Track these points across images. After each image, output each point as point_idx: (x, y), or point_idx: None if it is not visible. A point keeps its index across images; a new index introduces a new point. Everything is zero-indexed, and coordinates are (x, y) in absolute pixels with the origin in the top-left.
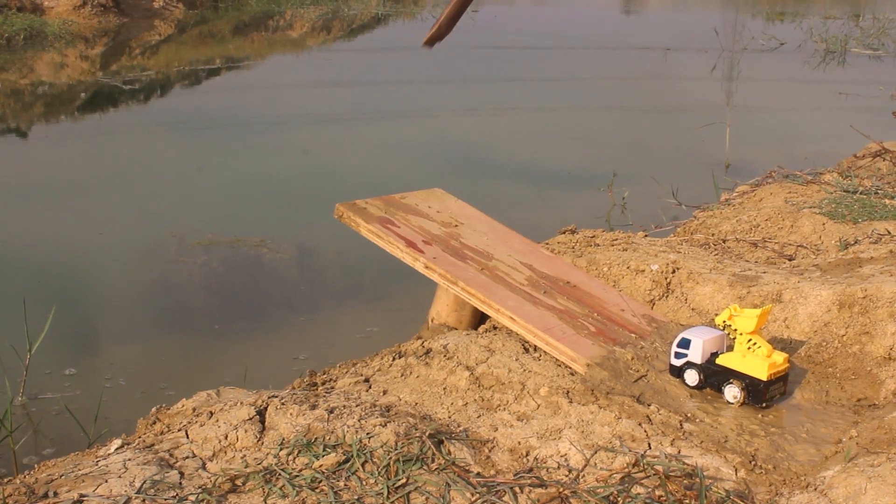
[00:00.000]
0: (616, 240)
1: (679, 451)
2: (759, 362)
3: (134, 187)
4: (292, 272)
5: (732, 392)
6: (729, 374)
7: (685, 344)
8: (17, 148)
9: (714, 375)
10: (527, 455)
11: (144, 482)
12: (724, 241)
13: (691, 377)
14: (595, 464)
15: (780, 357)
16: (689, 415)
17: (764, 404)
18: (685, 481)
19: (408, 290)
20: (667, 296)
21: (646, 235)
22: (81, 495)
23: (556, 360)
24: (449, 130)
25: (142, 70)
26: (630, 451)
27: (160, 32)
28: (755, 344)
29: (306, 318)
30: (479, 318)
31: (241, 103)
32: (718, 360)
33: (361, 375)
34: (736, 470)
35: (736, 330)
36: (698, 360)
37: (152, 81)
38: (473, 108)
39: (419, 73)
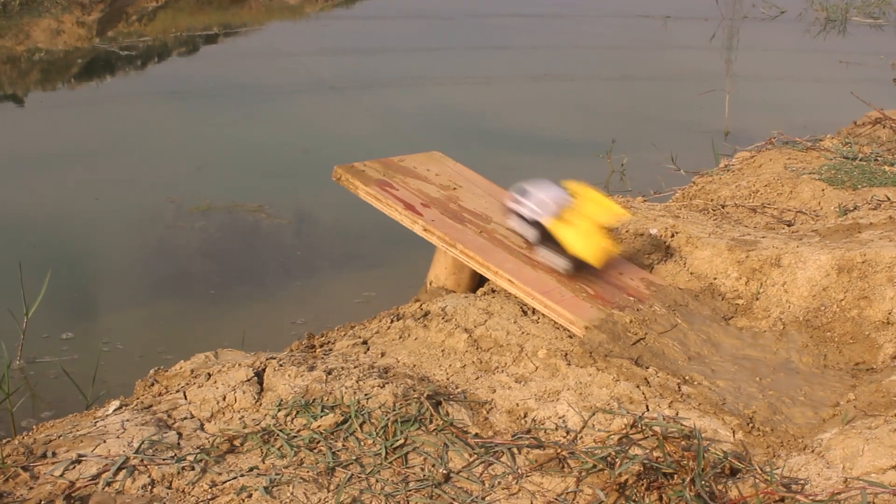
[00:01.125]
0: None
1: (677, 413)
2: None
3: (131, 154)
4: (290, 237)
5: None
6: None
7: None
8: (13, 115)
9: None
10: (525, 416)
11: (143, 442)
12: (722, 207)
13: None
14: (593, 425)
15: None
16: (687, 377)
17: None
18: (683, 443)
19: (405, 255)
20: (666, 260)
21: (644, 200)
22: (80, 455)
23: (555, 322)
24: (447, 98)
25: (139, 37)
26: (628, 412)
27: None
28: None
29: (304, 283)
30: (477, 281)
31: (238, 70)
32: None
33: (359, 338)
34: (734, 432)
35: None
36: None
37: (149, 48)
38: (471, 76)
39: (417, 41)
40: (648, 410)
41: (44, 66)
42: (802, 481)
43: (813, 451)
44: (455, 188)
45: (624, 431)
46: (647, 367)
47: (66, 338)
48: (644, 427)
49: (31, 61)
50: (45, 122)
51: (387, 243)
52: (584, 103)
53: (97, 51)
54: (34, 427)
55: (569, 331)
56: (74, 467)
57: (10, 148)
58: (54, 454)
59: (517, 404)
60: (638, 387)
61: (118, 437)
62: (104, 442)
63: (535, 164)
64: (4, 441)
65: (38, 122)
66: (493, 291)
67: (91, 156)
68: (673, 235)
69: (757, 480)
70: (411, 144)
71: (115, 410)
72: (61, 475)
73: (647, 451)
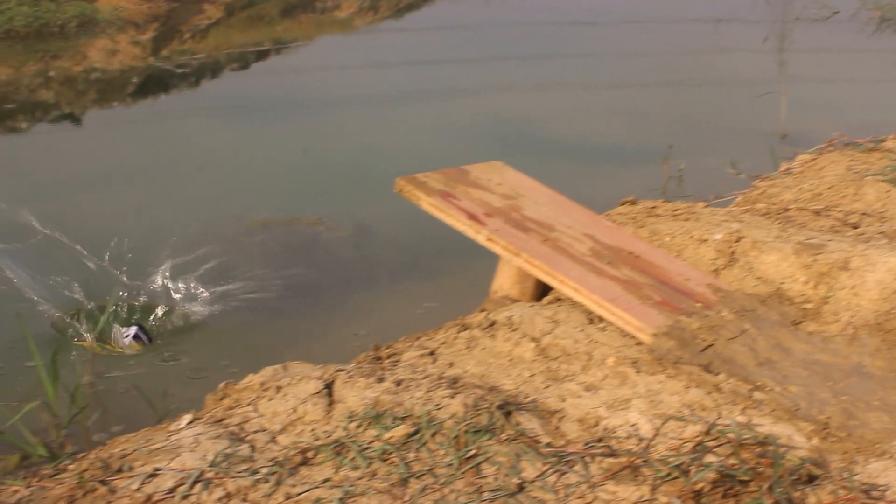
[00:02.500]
0: (677, 210)
1: (750, 420)
2: None
3: (189, 170)
4: (349, 249)
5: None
6: None
7: None
8: (71, 134)
9: None
10: (596, 425)
11: (217, 455)
12: (786, 211)
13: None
14: (665, 433)
15: None
16: (758, 383)
17: None
18: (758, 449)
19: (464, 265)
20: (731, 265)
21: (706, 206)
22: (156, 469)
23: (622, 330)
24: (500, 107)
25: (192, 54)
26: (700, 419)
27: (209, 16)
28: None
29: (364, 295)
30: (541, 290)
31: (291, 85)
32: None
33: (426, 349)
34: (809, 438)
35: None
36: None
37: (203, 65)
38: (524, 85)
39: (466, 52)
40: (721, 417)
41: (100, 85)
42: (883, 487)
43: (892, 457)
44: (517, 197)
45: (697, 439)
46: (718, 374)
47: (129, 360)
48: (718, 434)
49: (87, 81)
50: (102, 141)
51: (445, 254)
52: (639, 109)
53: (152, 69)
54: (108, 441)
55: (637, 338)
56: (151, 481)
57: (69, 167)
58: (130, 468)
59: (588, 413)
60: (709, 393)
61: (192, 451)
62: (179, 455)
63: (592, 171)
64: (80, 455)
65: (95, 140)
66: (559, 300)
67: (148, 172)
68: (738, 240)
69: (836, 487)
70: (466, 154)
71: (187, 424)
72: (138, 489)
73: (722, 458)
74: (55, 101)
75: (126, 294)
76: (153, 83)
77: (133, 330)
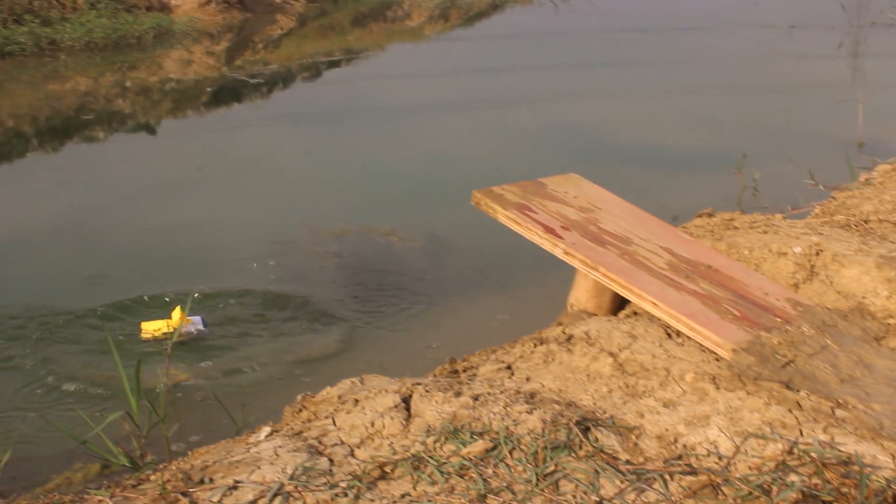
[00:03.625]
0: (755, 222)
1: (832, 439)
2: None
3: (263, 179)
4: (423, 260)
5: None
6: None
7: None
8: (146, 143)
9: None
10: (675, 442)
11: (296, 469)
12: (866, 222)
13: None
14: (746, 451)
15: None
16: (840, 401)
17: None
18: (842, 469)
19: (537, 277)
20: (811, 279)
21: (784, 217)
22: (236, 481)
23: (701, 345)
24: (572, 115)
25: (265, 64)
26: (781, 438)
27: (282, 26)
28: None
29: (437, 307)
30: (618, 304)
31: (362, 93)
32: None
33: (503, 362)
34: (893, 458)
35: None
36: None
37: (275, 74)
38: (594, 93)
39: (538, 59)
40: (802, 436)
41: (175, 95)
42: None
43: None
44: (594, 210)
45: (779, 457)
46: (799, 391)
47: (204, 365)
48: (801, 453)
49: (162, 91)
50: (175, 150)
51: (517, 265)
52: (712, 116)
53: (225, 79)
54: (189, 452)
55: (716, 353)
56: (231, 493)
57: (144, 176)
58: (211, 480)
59: (667, 429)
60: (790, 411)
61: (272, 464)
62: (259, 468)
63: (665, 180)
64: (161, 466)
65: (171, 149)
66: (636, 314)
67: (223, 182)
68: (817, 253)
69: None
70: (538, 163)
71: (266, 437)
72: (219, 501)
73: (805, 478)
74: (131, 110)
75: (197, 295)
76: (226, 93)
77: (198, 319)
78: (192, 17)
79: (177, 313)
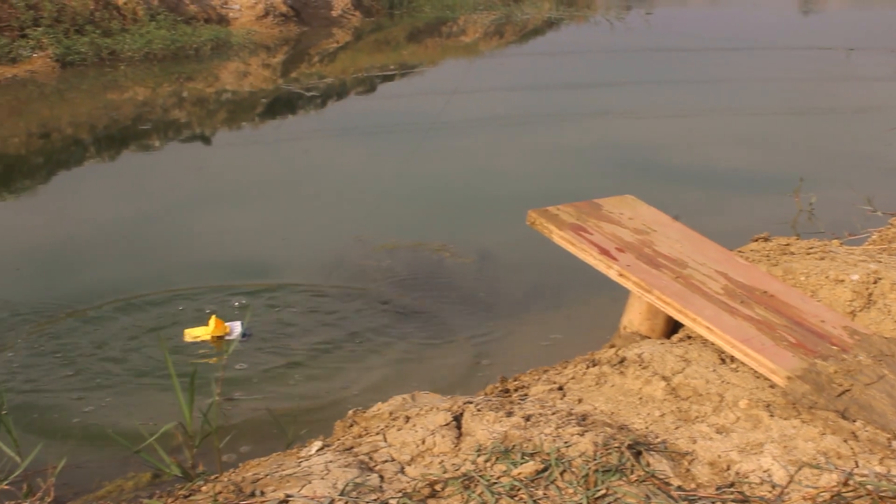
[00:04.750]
0: (812, 248)
1: (889, 471)
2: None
3: (316, 191)
4: (474, 277)
5: None
6: None
7: None
8: (201, 153)
9: None
10: (727, 469)
11: (347, 484)
12: None
13: None
14: (800, 481)
15: None
16: None
17: None
18: None
19: (588, 297)
20: (868, 307)
21: (841, 244)
22: (287, 495)
23: (755, 371)
24: (624, 133)
25: (320, 77)
26: (836, 468)
27: (338, 40)
28: None
29: (488, 324)
30: (671, 327)
31: (416, 108)
32: None
33: (555, 383)
34: None
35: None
36: None
37: (330, 88)
38: (649, 111)
39: (593, 77)
40: (858, 467)
41: (230, 106)
42: None
43: None
44: (649, 232)
45: (834, 489)
46: (855, 421)
47: (255, 379)
48: (856, 485)
49: (218, 102)
50: (231, 161)
51: (569, 285)
52: (768, 138)
53: (280, 91)
54: (240, 465)
55: (770, 380)
56: None
57: (198, 186)
58: (262, 493)
59: (719, 456)
60: (845, 441)
61: (323, 479)
62: (310, 483)
63: (719, 202)
64: (213, 477)
65: (225, 160)
66: (689, 338)
67: (276, 194)
68: (875, 282)
69: None
70: (591, 181)
71: (317, 451)
72: None
73: None
74: (187, 120)
75: (237, 304)
76: (281, 105)
77: (237, 325)
78: (250, 30)
79: (213, 321)
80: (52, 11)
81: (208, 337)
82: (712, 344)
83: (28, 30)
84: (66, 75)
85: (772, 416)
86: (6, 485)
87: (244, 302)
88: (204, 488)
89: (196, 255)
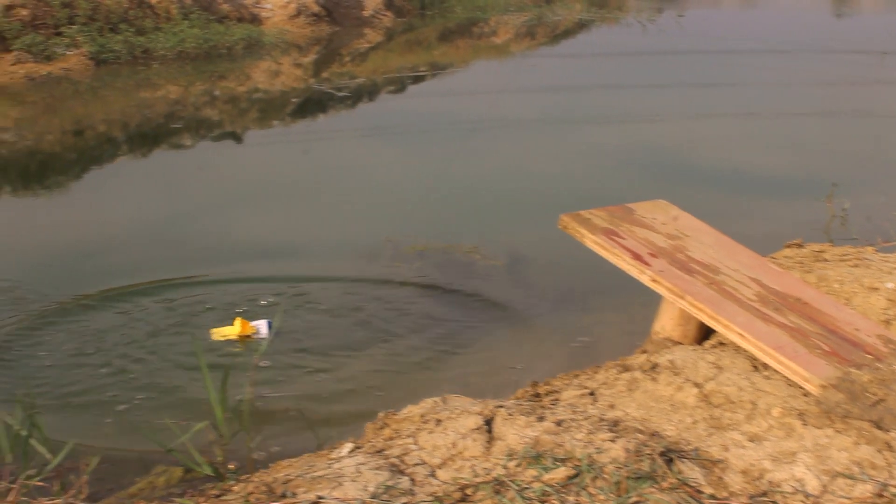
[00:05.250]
0: (846, 255)
1: None
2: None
3: (345, 191)
4: (505, 279)
5: None
6: None
7: None
8: (232, 151)
9: None
10: (760, 478)
11: (378, 487)
12: None
13: None
14: (833, 491)
15: None
16: None
17: None
18: None
19: (618, 302)
20: None
21: (875, 250)
22: (318, 497)
23: (788, 379)
24: (655, 136)
25: (351, 77)
26: (871, 479)
27: (369, 40)
28: None
29: (518, 326)
30: (703, 333)
31: (446, 109)
32: None
33: (586, 388)
34: None
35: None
36: None
37: (360, 87)
38: (680, 114)
39: (624, 79)
40: (892, 477)
41: (261, 104)
42: None
43: None
44: (682, 238)
45: (868, 499)
46: (889, 431)
47: (283, 378)
48: (890, 496)
49: (250, 100)
50: (262, 159)
51: (599, 289)
52: (800, 142)
53: (311, 90)
54: (271, 465)
55: (803, 389)
56: None
57: (229, 184)
58: (294, 494)
59: (752, 464)
60: (879, 451)
61: (354, 481)
62: (341, 485)
63: (751, 206)
64: (245, 477)
65: (255, 158)
66: (721, 344)
67: (305, 193)
68: None
69: None
70: (621, 184)
71: (349, 453)
72: None
73: None
74: (219, 119)
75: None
76: (312, 104)
77: (263, 323)
78: (282, 30)
79: (238, 322)
80: (87, 10)
81: (235, 336)
82: (745, 351)
83: (63, 28)
84: (100, 73)
85: (805, 424)
86: (39, 481)
87: (271, 300)
88: (235, 488)
89: (222, 248)
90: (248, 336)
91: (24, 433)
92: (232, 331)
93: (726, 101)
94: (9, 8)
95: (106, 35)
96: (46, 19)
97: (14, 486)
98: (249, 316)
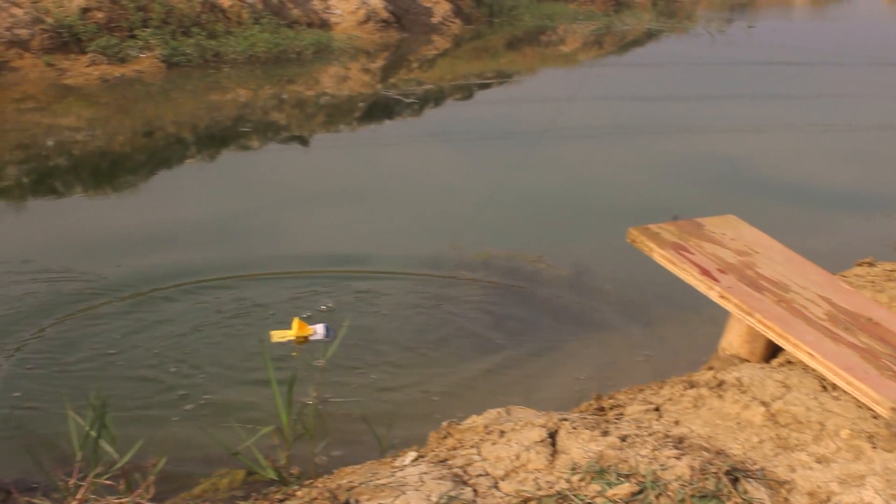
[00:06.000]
0: None
1: None
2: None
3: (411, 197)
4: (569, 290)
5: None
6: None
7: None
8: (299, 155)
9: None
10: (827, 500)
11: (441, 497)
12: None
13: None
14: None
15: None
16: None
17: None
18: None
19: (683, 316)
20: None
21: None
22: None
23: (858, 401)
24: (723, 148)
25: (418, 83)
26: None
27: (437, 47)
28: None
29: (584, 337)
30: (771, 351)
31: (513, 116)
32: None
33: (651, 403)
34: None
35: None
36: None
37: (428, 94)
38: (748, 125)
39: (692, 89)
40: None
41: (329, 109)
42: None
43: None
44: (751, 254)
45: None
46: None
47: (346, 384)
48: None
49: (317, 105)
50: (328, 163)
51: (664, 303)
52: (870, 156)
53: (379, 96)
54: (335, 471)
55: (873, 411)
56: None
57: (294, 187)
58: (357, 502)
59: (819, 486)
60: None
61: (417, 490)
62: (404, 493)
63: (819, 220)
64: (308, 483)
65: (321, 162)
66: (789, 363)
67: (372, 198)
68: None
69: None
70: (688, 196)
71: (412, 461)
72: None
73: None
74: (286, 122)
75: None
76: (379, 110)
77: (321, 326)
78: (351, 35)
79: (296, 324)
80: (161, 13)
81: (293, 337)
82: (813, 371)
83: (137, 31)
84: (172, 76)
85: (874, 447)
86: (106, 479)
87: (330, 305)
88: (299, 493)
89: (283, 248)
90: (306, 338)
91: (93, 434)
92: (290, 333)
93: (797, 114)
94: (85, 11)
95: (178, 38)
96: (121, 22)
97: (83, 483)
98: (311, 321)
